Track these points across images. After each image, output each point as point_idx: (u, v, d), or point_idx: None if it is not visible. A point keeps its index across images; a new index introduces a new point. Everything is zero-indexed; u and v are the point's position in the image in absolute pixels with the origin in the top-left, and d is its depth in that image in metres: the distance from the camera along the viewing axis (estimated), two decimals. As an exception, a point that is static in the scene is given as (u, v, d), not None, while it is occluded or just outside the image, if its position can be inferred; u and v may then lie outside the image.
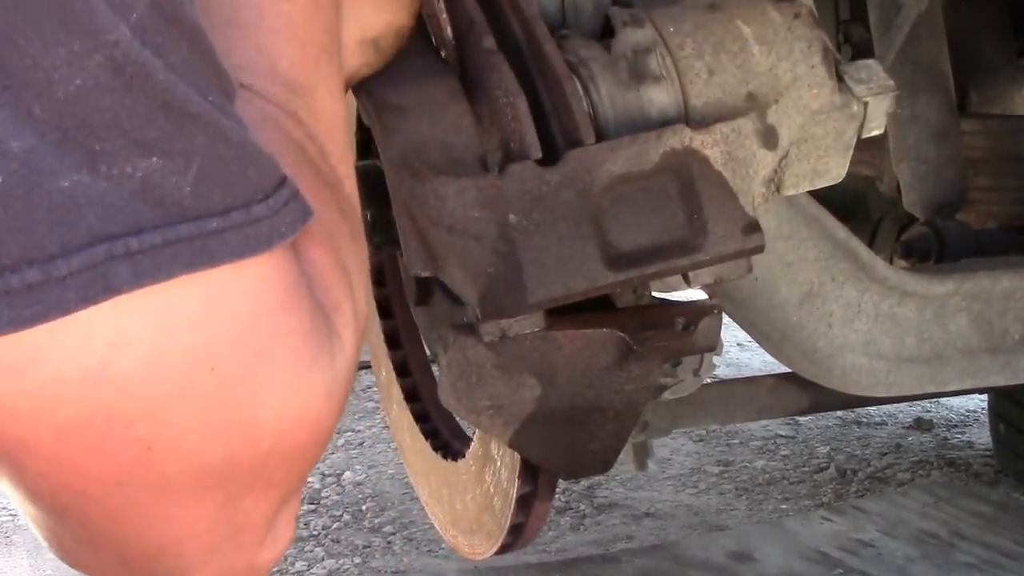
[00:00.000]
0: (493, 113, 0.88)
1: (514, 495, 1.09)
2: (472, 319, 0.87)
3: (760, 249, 0.90)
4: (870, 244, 1.96)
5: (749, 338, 1.31)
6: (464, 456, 1.25)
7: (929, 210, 1.73)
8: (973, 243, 1.65)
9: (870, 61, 1.00)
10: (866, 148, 1.94)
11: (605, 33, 0.98)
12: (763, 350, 1.29)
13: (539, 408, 0.92)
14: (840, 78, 0.97)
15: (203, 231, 0.45)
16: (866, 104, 0.97)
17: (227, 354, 0.47)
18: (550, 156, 0.86)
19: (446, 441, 1.39)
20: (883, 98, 0.97)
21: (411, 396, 1.49)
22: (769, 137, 0.93)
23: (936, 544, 2.60)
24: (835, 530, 2.68)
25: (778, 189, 0.96)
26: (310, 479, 3.35)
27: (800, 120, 0.94)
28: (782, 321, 1.22)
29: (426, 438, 1.40)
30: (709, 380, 1.35)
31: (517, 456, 1.05)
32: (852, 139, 0.98)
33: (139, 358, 0.45)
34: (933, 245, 1.65)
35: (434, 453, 1.35)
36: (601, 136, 0.89)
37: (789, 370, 1.31)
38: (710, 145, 0.89)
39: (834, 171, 0.98)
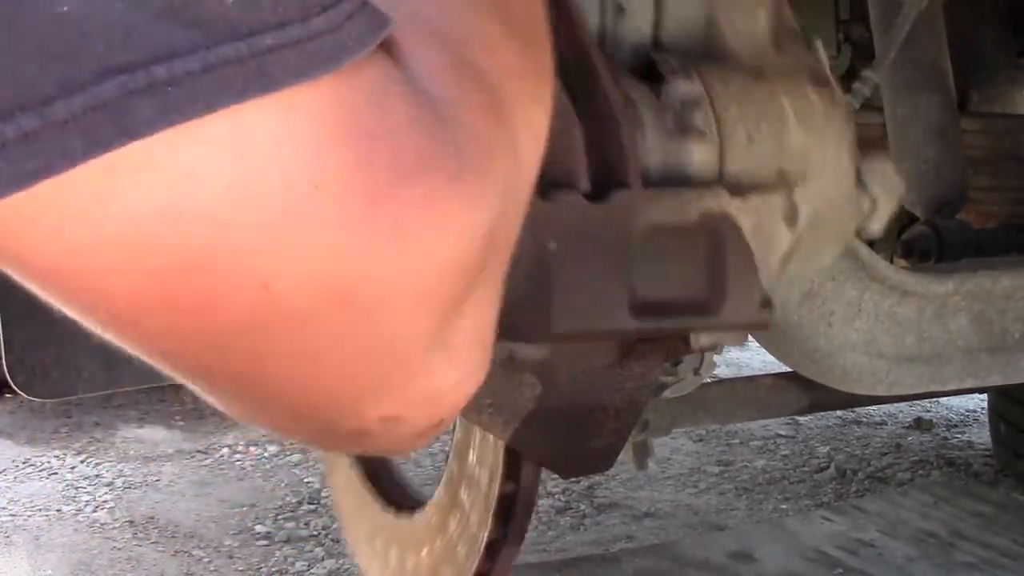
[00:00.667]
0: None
1: (484, 539, 1.08)
2: None
3: (767, 325, 0.91)
4: (870, 243, 1.96)
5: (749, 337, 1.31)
6: (421, 509, 1.23)
7: (929, 209, 1.73)
8: (973, 243, 1.65)
9: (885, 162, 1.01)
10: (865, 148, 1.94)
11: (641, 73, 0.97)
12: (763, 349, 1.29)
13: (540, 406, 0.92)
14: (857, 173, 0.98)
15: (255, 50, 0.38)
16: (875, 202, 0.98)
17: (329, 167, 0.41)
18: (592, 189, 0.85)
19: (396, 498, 1.38)
20: (891, 199, 0.99)
21: (360, 456, 1.47)
22: (792, 215, 0.94)
23: (936, 544, 2.60)
24: (835, 530, 2.68)
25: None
26: (309, 478, 3.34)
27: (818, 205, 0.96)
28: (782, 320, 1.22)
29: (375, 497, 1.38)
30: (709, 379, 1.35)
31: (492, 499, 1.05)
32: (851, 234, 1.00)
33: (224, 187, 0.39)
34: (933, 244, 1.65)
35: (384, 511, 1.33)
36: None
37: (789, 369, 1.31)
38: (744, 214, 0.90)
39: (824, 261, 1.00)
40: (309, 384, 0.45)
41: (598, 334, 0.85)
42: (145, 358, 0.44)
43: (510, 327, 0.84)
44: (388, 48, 0.43)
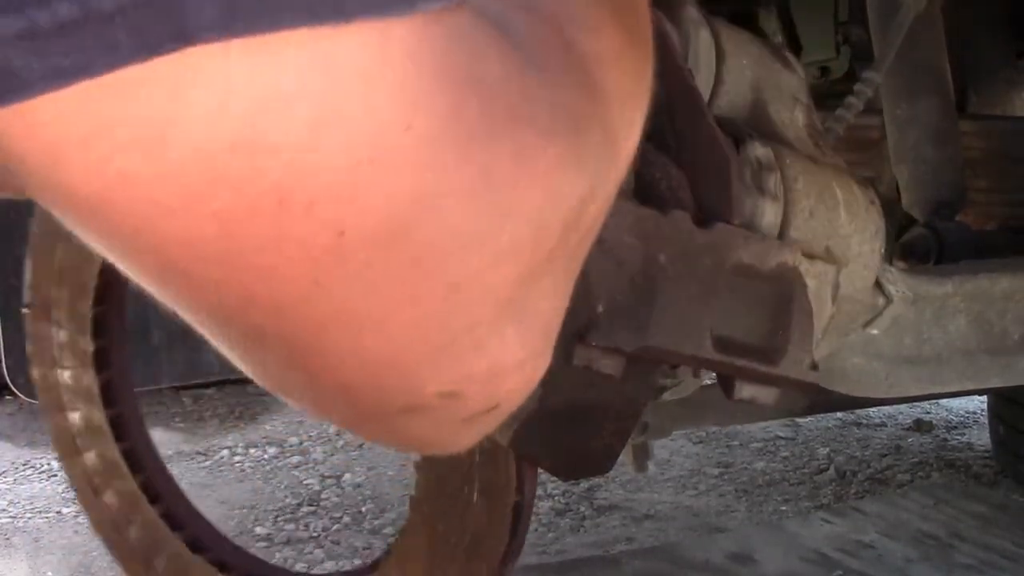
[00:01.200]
0: (646, 161, 0.88)
1: (500, 551, 1.10)
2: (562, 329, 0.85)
3: (814, 388, 0.92)
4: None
5: (749, 339, 1.31)
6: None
7: (928, 211, 1.73)
8: (972, 244, 1.65)
9: (902, 272, 1.07)
10: (865, 149, 1.94)
11: None
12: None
13: (540, 408, 0.92)
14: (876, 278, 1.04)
15: None
16: (889, 302, 1.02)
17: (423, 110, 0.37)
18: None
19: None
20: (902, 305, 1.02)
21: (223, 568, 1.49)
22: (835, 291, 0.97)
23: (936, 545, 2.60)
24: (835, 531, 2.68)
25: None
26: (309, 480, 3.34)
27: (847, 291, 0.99)
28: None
29: None
30: (709, 381, 1.35)
31: (506, 510, 1.07)
32: (853, 330, 1.03)
33: (306, 119, 0.35)
34: (932, 246, 1.65)
35: None
36: None
37: (789, 371, 1.31)
38: (811, 276, 0.92)
39: (825, 349, 1.02)
40: (371, 347, 0.41)
41: (683, 358, 0.86)
42: (187, 317, 0.41)
43: (606, 332, 0.84)
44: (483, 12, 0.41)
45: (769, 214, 0.93)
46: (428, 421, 0.46)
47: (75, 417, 1.55)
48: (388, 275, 0.39)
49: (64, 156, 0.34)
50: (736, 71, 0.99)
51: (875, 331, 1.06)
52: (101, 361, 1.53)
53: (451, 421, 0.46)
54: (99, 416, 1.52)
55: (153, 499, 1.49)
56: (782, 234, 0.94)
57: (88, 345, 1.52)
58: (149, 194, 0.35)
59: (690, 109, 0.89)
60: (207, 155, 0.34)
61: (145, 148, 0.33)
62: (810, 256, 0.93)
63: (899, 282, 1.07)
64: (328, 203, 0.36)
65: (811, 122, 1.04)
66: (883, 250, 1.03)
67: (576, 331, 0.83)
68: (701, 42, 0.97)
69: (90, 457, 1.55)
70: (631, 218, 0.83)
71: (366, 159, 0.36)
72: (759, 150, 0.94)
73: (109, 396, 1.54)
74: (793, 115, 1.02)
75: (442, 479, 1.16)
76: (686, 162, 0.89)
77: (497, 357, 0.44)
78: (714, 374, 0.96)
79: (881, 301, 1.04)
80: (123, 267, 0.39)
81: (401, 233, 0.38)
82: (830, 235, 0.97)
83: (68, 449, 1.57)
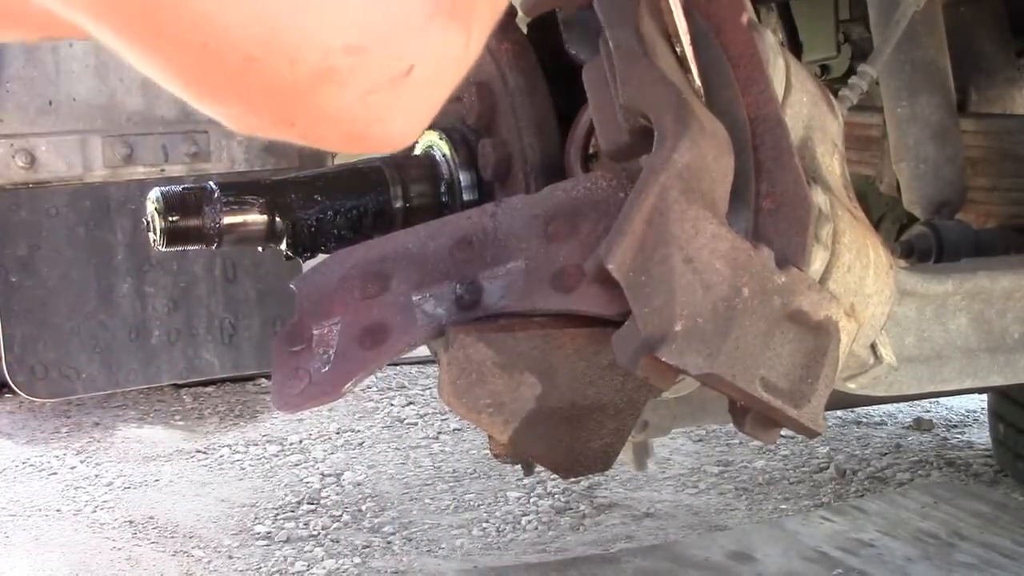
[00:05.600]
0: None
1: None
2: (632, 335, 0.85)
3: (819, 435, 0.93)
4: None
5: (749, 337, 1.31)
6: None
7: (929, 209, 1.73)
8: (973, 243, 1.65)
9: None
10: (866, 148, 1.93)
11: None
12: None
13: (540, 406, 0.92)
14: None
15: None
16: (879, 363, 1.05)
17: None
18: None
19: None
20: (887, 370, 1.06)
21: None
22: (848, 349, 0.97)
23: (935, 544, 2.60)
24: (835, 530, 2.68)
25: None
26: (309, 478, 3.34)
27: (854, 348, 0.99)
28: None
29: None
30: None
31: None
32: (842, 381, 1.05)
33: None
34: (933, 244, 1.65)
35: None
36: None
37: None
38: (846, 332, 0.92)
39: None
40: (268, 4, 0.43)
41: (733, 389, 0.87)
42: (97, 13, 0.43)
43: (680, 350, 0.84)
44: None
45: (817, 262, 0.94)
46: (339, 91, 0.46)
47: None
48: None
49: None
50: (797, 106, 0.99)
51: (852, 385, 1.08)
52: None
53: (361, 90, 0.47)
54: None
55: None
56: (821, 284, 0.94)
57: None
58: None
59: (777, 143, 0.90)
60: None
61: None
62: (846, 312, 0.94)
63: (891, 352, 1.09)
64: None
65: (844, 172, 1.04)
66: (890, 311, 1.04)
67: (648, 342, 0.83)
68: (776, 70, 0.97)
69: None
70: (727, 246, 0.84)
71: None
72: (820, 197, 0.95)
73: None
74: (833, 162, 1.02)
75: None
76: (764, 192, 0.89)
77: (395, 9, 0.45)
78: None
79: (872, 360, 1.05)
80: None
81: None
82: (857, 292, 0.97)
83: None
